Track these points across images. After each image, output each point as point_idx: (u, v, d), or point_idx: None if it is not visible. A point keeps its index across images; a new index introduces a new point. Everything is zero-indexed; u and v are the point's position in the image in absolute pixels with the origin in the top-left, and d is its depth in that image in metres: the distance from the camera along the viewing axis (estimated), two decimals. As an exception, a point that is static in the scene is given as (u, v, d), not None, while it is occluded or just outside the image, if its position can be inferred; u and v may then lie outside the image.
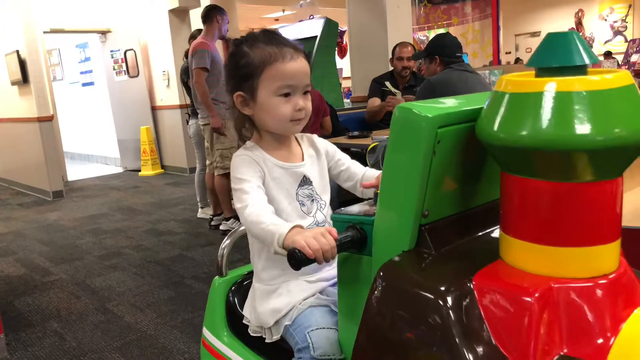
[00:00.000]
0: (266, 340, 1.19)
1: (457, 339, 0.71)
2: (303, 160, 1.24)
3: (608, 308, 0.75)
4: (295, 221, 1.07)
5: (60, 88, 9.85)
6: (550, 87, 0.70)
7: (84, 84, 9.82)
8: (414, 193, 0.82)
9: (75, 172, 8.43)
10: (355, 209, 1.00)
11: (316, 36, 4.98)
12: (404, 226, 0.85)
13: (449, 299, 0.74)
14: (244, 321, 1.26)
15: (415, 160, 0.81)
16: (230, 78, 1.21)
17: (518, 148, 0.72)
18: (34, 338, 2.70)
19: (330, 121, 3.55)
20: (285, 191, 1.19)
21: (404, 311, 0.79)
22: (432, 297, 0.75)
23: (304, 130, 1.25)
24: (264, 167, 1.17)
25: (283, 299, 1.16)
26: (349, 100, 7.22)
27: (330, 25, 5.02)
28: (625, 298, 0.77)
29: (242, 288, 1.35)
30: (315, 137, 1.31)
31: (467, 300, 0.75)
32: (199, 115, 4.31)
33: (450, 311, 0.73)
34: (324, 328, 1.07)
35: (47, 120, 6.50)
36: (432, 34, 7.34)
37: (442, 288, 0.75)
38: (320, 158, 1.28)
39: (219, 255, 1.40)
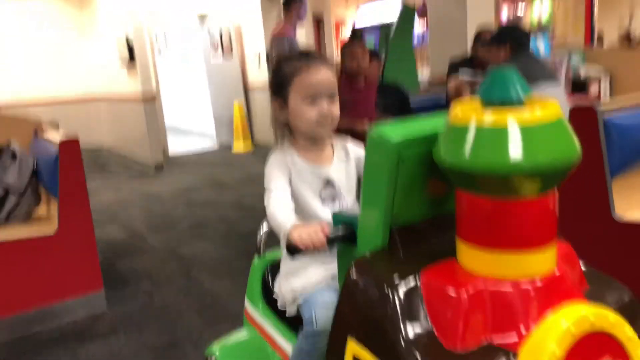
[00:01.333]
0: (286, 314, 1.39)
1: (400, 321, 0.86)
2: (331, 163, 1.40)
3: (532, 305, 0.85)
4: (317, 215, 1.26)
5: (163, 68, 10.61)
6: (487, 120, 0.82)
7: (184, 64, 10.52)
8: (382, 202, 0.97)
9: (176, 145, 9.12)
10: (355, 210, 1.17)
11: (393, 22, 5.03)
12: (377, 228, 1.00)
13: (398, 290, 0.89)
14: (274, 296, 1.47)
15: (382, 175, 0.95)
16: (270, 87, 1.40)
17: (462, 172, 0.85)
18: (128, 296, 3.13)
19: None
20: (310, 189, 1.36)
21: (364, 296, 0.96)
22: (385, 287, 0.91)
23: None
24: (292, 167, 1.35)
25: (300, 281, 1.35)
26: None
27: (406, 11, 5.04)
28: (552, 297, 0.87)
29: (275, 268, 1.55)
30: (349, 142, 1.47)
31: (414, 291, 0.90)
32: None
33: (397, 299, 0.88)
34: (328, 308, 1.25)
35: (151, 100, 7.12)
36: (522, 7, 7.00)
37: (395, 282, 0.90)
38: (350, 163, 1.42)
39: (258, 239, 1.61)
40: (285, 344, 1.48)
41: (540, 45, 5.78)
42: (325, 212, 1.35)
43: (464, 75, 3.25)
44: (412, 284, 0.91)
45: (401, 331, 0.86)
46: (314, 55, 1.35)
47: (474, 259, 0.90)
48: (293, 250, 1.12)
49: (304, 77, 1.31)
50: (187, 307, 2.94)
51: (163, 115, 8.57)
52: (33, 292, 2.78)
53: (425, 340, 0.86)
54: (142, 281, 3.34)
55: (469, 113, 0.85)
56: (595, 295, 0.97)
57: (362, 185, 1.03)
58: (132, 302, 3.04)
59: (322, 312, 1.24)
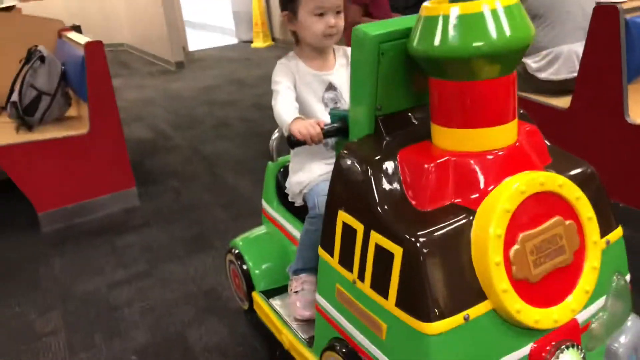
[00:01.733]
0: (295, 204, 1.59)
1: (375, 190, 1.06)
2: (333, 68, 1.52)
3: (492, 172, 1.02)
4: (320, 117, 1.43)
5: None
6: (454, 11, 0.94)
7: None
8: (367, 93, 1.11)
9: (195, 41, 9.06)
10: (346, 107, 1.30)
11: None
12: (364, 117, 1.15)
13: (377, 164, 1.08)
14: (285, 191, 1.66)
15: (365, 68, 1.09)
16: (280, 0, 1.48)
17: (431, 58, 0.98)
18: (157, 192, 3.38)
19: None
20: (313, 93, 1.50)
21: (350, 173, 1.15)
22: (366, 164, 1.09)
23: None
24: (296, 74, 1.48)
25: (305, 174, 1.55)
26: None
27: None
28: (511, 167, 1.03)
29: (286, 171, 1.72)
30: (349, 49, 1.56)
31: (392, 166, 1.08)
32: None
33: (375, 173, 1.08)
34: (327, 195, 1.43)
35: (168, -7, 6.99)
36: None
37: (376, 157, 1.09)
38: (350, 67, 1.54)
39: (269, 145, 1.77)
40: (296, 232, 1.70)
41: None
42: (327, 115, 1.48)
43: None
44: (390, 160, 1.09)
45: (377, 197, 1.05)
46: None
47: (444, 137, 1.06)
48: (293, 141, 1.27)
49: None
50: (212, 202, 3.18)
51: (181, 10, 8.44)
52: (72, 188, 3.03)
53: (398, 203, 1.05)
54: (169, 178, 3.57)
55: (436, 6, 0.97)
56: (554, 167, 1.13)
57: (350, 80, 1.16)
58: (161, 198, 3.29)
59: (323, 198, 1.41)
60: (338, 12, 1.44)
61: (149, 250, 2.70)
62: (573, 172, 1.13)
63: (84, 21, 4.83)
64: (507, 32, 0.94)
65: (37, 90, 3.14)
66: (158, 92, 6.06)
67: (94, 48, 2.88)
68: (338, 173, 1.18)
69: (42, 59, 3.17)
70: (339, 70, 1.53)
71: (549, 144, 1.19)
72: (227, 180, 3.47)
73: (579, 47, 2.53)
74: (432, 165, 1.03)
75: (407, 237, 0.98)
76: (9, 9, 4.24)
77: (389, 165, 1.07)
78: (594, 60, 2.38)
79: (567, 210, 1.03)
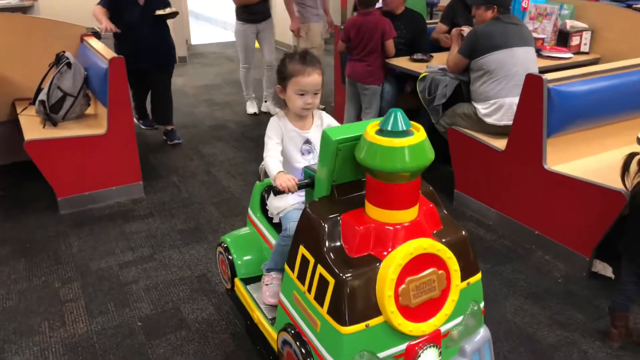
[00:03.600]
0: (273, 221, 2.14)
1: (326, 239, 1.58)
2: (311, 127, 2.05)
3: (397, 237, 1.54)
4: (297, 162, 1.97)
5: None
6: (383, 141, 1.46)
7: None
8: (328, 170, 1.64)
9: (198, 34, 9.49)
10: (316, 167, 1.84)
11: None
12: (325, 184, 1.68)
13: (328, 222, 1.60)
14: (267, 207, 2.20)
15: (328, 156, 1.61)
16: (277, 74, 2.01)
17: (366, 166, 1.51)
18: (160, 187, 3.91)
19: (392, 44, 4.03)
20: (294, 145, 2.02)
21: (311, 223, 1.65)
22: (321, 220, 1.61)
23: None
24: (283, 130, 2.00)
25: (282, 203, 2.05)
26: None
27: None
28: (411, 234, 1.56)
29: (269, 190, 2.26)
30: (324, 114, 2.10)
31: (336, 224, 1.60)
32: None
33: (326, 227, 1.59)
34: (297, 221, 1.87)
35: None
36: None
37: (328, 216, 1.61)
38: (323, 127, 2.06)
39: (259, 169, 2.31)
40: (271, 237, 2.25)
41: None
42: (303, 161, 2.02)
43: (432, 69, 3.72)
44: (336, 220, 1.62)
45: (325, 244, 1.59)
46: (310, 60, 1.94)
47: (371, 211, 1.58)
48: (276, 191, 1.83)
49: (299, 78, 1.92)
50: (207, 199, 3.72)
51: (187, 2, 8.84)
52: (88, 179, 3.56)
53: (337, 249, 1.59)
54: (171, 175, 4.11)
55: (373, 135, 1.49)
56: (438, 234, 1.67)
57: (318, 156, 1.69)
58: (164, 192, 3.83)
59: (293, 224, 1.90)
60: (315, 93, 1.95)
61: (153, 237, 3.25)
62: (450, 238, 1.66)
63: (84, 8, 4.98)
64: (411, 159, 1.45)
65: (62, 92, 3.66)
66: (161, 86, 6.52)
67: (117, 63, 3.39)
68: (304, 220, 1.71)
69: (69, 65, 3.68)
70: (315, 129, 2.04)
71: (444, 212, 1.74)
72: (221, 181, 4.01)
73: (518, 100, 3.09)
74: (360, 228, 1.55)
75: (338, 273, 1.52)
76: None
77: (335, 224, 1.60)
78: (524, 116, 2.94)
79: (441, 264, 1.58)
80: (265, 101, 5.63)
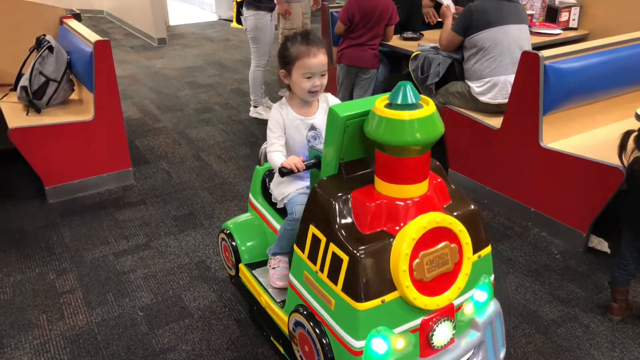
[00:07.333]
0: (277, 206, 2.11)
1: (337, 217, 1.56)
2: (316, 113, 2.00)
3: (408, 212, 1.53)
4: (303, 151, 1.93)
5: None
6: (392, 114, 1.44)
7: None
8: (335, 147, 1.62)
9: (176, 15, 9.29)
10: (321, 147, 1.80)
11: None
12: (332, 162, 1.66)
13: (338, 199, 1.58)
14: (270, 191, 2.17)
15: (335, 133, 1.59)
16: (278, 59, 1.95)
17: (376, 141, 1.49)
18: (150, 172, 3.83)
19: (392, 31, 3.99)
20: (299, 133, 1.98)
21: (320, 202, 1.64)
22: (331, 198, 1.60)
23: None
24: (286, 119, 1.95)
25: (286, 188, 2.02)
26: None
27: None
28: (422, 208, 1.55)
29: (270, 174, 2.24)
30: (329, 95, 2.05)
31: (346, 201, 1.59)
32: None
33: (336, 205, 1.57)
34: (302, 205, 1.87)
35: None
36: None
37: (338, 194, 1.59)
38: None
39: (259, 153, 2.27)
40: (274, 222, 2.22)
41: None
42: (306, 147, 1.98)
43: (424, 47, 3.70)
44: (346, 197, 1.60)
45: (337, 221, 1.57)
46: (314, 40, 1.88)
47: (381, 186, 1.57)
48: (284, 171, 1.80)
49: (305, 60, 1.86)
50: (199, 185, 3.66)
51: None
52: (76, 167, 3.46)
53: (349, 226, 1.57)
54: (160, 160, 4.02)
55: (382, 109, 1.47)
56: (450, 207, 1.67)
57: (325, 134, 1.67)
58: (154, 178, 3.75)
59: (299, 207, 1.89)
60: (322, 75, 1.90)
61: (147, 225, 3.18)
62: (461, 212, 1.67)
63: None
64: (421, 132, 1.44)
65: (45, 77, 3.53)
66: (141, 69, 6.39)
67: (102, 46, 3.28)
68: (313, 199, 1.68)
69: (50, 49, 3.55)
70: (320, 113, 1.99)
71: (453, 187, 1.73)
72: (212, 165, 3.95)
73: (512, 78, 3.09)
74: (372, 204, 1.54)
75: (352, 250, 1.50)
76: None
77: (345, 201, 1.59)
78: (520, 93, 2.94)
79: (453, 238, 1.58)
80: (255, 106, 4.92)
